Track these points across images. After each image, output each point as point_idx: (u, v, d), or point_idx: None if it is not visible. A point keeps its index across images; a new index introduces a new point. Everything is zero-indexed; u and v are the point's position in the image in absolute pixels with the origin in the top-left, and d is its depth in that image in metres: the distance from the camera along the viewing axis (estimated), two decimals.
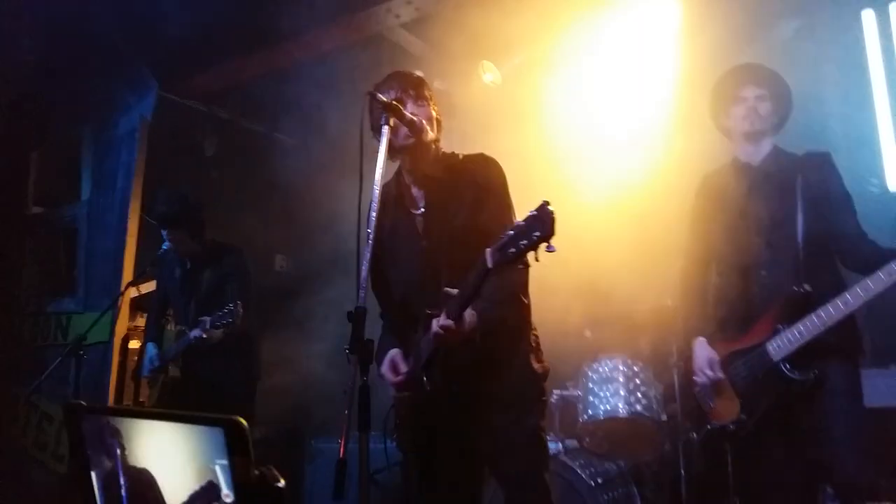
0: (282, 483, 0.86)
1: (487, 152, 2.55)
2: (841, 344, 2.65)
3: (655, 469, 3.87)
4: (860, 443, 2.59)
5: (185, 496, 0.81)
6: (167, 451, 0.82)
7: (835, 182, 2.80)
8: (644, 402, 3.63)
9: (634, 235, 4.22)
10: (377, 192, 2.23)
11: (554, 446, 3.68)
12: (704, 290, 3.04)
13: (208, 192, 5.32)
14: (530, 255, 1.91)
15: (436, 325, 2.14)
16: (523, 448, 2.32)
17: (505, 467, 2.36)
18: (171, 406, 3.97)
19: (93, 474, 0.91)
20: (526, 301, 2.44)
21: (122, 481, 0.88)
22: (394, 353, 2.40)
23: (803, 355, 2.63)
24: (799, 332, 2.63)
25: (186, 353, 3.84)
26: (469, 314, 2.17)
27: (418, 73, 2.56)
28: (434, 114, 2.48)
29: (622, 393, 3.63)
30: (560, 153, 4.49)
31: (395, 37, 4.75)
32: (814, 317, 2.60)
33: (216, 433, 0.74)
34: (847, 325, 2.62)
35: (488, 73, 5.06)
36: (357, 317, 2.07)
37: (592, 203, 4.16)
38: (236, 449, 0.71)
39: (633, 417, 3.59)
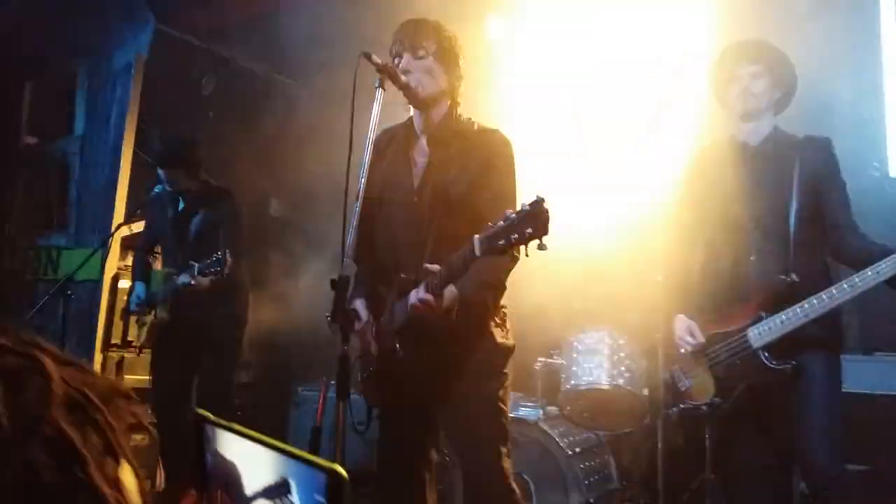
0: None
1: (483, 111, 2.49)
2: (823, 334, 2.64)
3: (633, 441, 3.93)
4: (832, 432, 2.60)
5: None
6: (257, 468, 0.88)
7: (832, 170, 2.73)
8: (627, 374, 3.64)
9: (629, 207, 4.19)
10: (368, 157, 2.19)
11: (534, 413, 3.72)
12: (689, 268, 3.02)
13: (204, 131, 5.25)
14: (521, 250, 1.89)
15: (414, 296, 2.15)
16: (481, 418, 2.34)
17: (462, 436, 2.40)
18: (158, 346, 4.01)
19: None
20: (504, 282, 2.40)
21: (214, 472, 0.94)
22: (358, 302, 2.41)
23: (784, 345, 2.62)
24: (781, 322, 2.61)
25: (174, 296, 3.83)
26: (449, 292, 2.16)
27: (425, 20, 2.44)
28: (439, 65, 2.37)
29: (605, 365, 3.64)
30: (558, 121, 4.41)
31: None
32: (798, 308, 2.58)
33: (318, 475, 0.78)
34: (830, 315, 2.61)
35: (494, 27, 4.94)
36: (340, 285, 2.07)
37: (588, 172, 4.12)
38: (333, 493, 0.75)
39: (615, 389, 3.61)
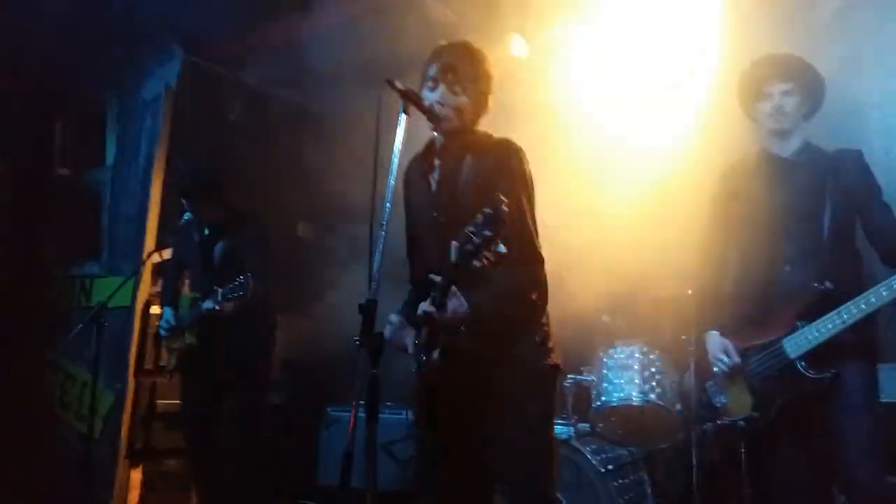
0: None
1: (508, 128, 2.50)
2: (859, 342, 2.60)
3: (668, 457, 3.87)
4: (871, 445, 2.55)
5: None
6: None
7: (866, 180, 2.73)
8: (659, 390, 3.61)
9: (659, 222, 4.16)
10: (392, 182, 2.21)
11: (566, 430, 3.69)
12: (721, 282, 3.00)
13: (231, 158, 5.34)
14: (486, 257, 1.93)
15: (419, 308, 2.17)
16: (524, 442, 2.29)
17: (515, 469, 2.32)
18: (186, 371, 4.05)
19: None
20: (534, 298, 2.35)
21: None
22: (394, 316, 2.43)
23: (821, 354, 2.59)
24: (818, 331, 2.58)
25: (202, 321, 3.88)
26: (457, 304, 2.15)
27: (467, 45, 2.45)
28: (469, 98, 2.39)
29: (637, 380, 3.61)
30: (586, 134, 4.40)
31: (423, 2, 4.66)
32: (835, 315, 2.55)
33: None
34: (867, 323, 2.57)
35: (516, 46, 4.96)
36: (368, 309, 2.08)
37: (618, 188, 4.09)
38: None
39: (647, 405, 3.58)
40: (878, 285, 2.49)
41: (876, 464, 2.55)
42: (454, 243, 1.99)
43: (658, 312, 4.04)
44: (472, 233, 1.94)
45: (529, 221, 2.36)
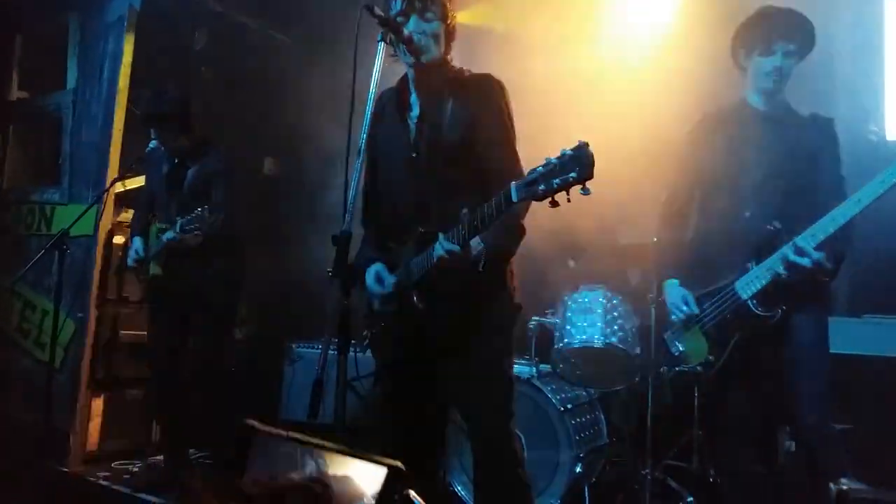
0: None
1: (489, 71, 2.47)
2: (810, 290, 2.66)
3: (624, 399, 4.00)
4: (821, 390, 2.66)
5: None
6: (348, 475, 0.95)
7: (832, 148, 2.79)
8: (620, 334, 3.69)
9: (627, 169, 4.18)
10: (371, 110, 2.17)
11: (528, 370, 3.77)
12: (683, 229, 3.05)
13: (196, 87, 5.19)
14: (561, 196, 1.86)
15: (440, 248, 2.13)
16: (491, 380, 2.35)
17: (470, 398, 2.38)
18: (152, 302, 4.03)
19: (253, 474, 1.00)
20: (523, 233, 2.38)
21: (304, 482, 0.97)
22: (378, 267, 2.41)
23: (771, 293, 2.66)
24: (767, 269, 2.66)
25: (169, 253, 3.84)
26: (476, 242, 2.16)
27: None
28: (443, 29, 2.36)
29: (599, 324, 3.69)
30: (562, 81, 4.38)
31: None
32: (779, 252, 2.62)
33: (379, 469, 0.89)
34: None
35: None
36: (341, 241, 2.07)
37: (589, 135, 4.09)
38: (390, 481, 0.87)
39: (607, 348, 3.67)
40: (823, 219, 2.53)
41: (823, 410, 2.66)
42: (514, 182, 1.93)
43: (623, 259, 4.11)
44: (546, 173, 1.85)
45: (517, 157, 2.36)
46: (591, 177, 1.82)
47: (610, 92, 4.43)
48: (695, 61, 4.05)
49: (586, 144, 1.84)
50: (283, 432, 0.95)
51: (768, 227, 2.66)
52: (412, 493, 0.94)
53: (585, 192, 1.82)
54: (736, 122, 2.87)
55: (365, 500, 0.89)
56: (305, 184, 5.32)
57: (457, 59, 2.50)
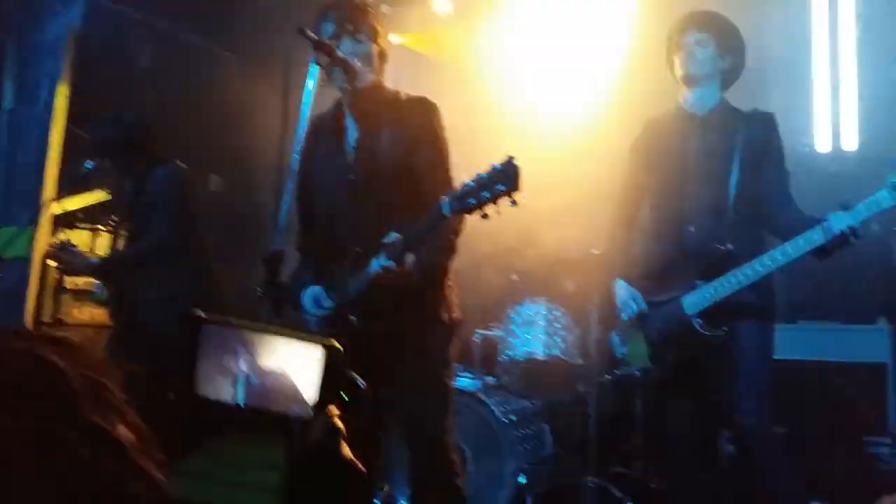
0: (362, 383, 1.06)
1: (424, 87, 2.51)
2: (757, 303, 2.71)
3: (568, 408, 4.03)
4: (762, 396, 2.69)
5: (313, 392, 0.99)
6: (288, 359, 1.00)
7: (775, 145, 2.80)
8: (562, 345, 3.75)
9: (568, 181, 4.26)
10: (303, 132, 2.19)
11: (472, 384, 3.79)
12: (631, 238, 3.08)
13: (141, 107, 5.12)
14: (491, 209, 1.93)
15: (376, 264, 2.15)
16: (429, 394, 2.37)
17: (409, 412, 2.41)
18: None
19: (204, 375, 1.01)
20: (455, 250, 2.44)
21: (255, 378, 0.99)
22: (317, 290, 2.40)
23: (716, 312, 2.69)
24: (714, 290, 2.67)
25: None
26: (410, 258, 2.17)
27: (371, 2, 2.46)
28: (376, 51, 2.39)
29: (541, 336, 3.74)
30: (500, 94, 4.45)
31: None
32: (731, 275, 2.64)
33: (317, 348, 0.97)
34: (763, 284, 2.69)
35: (440, 3, 4.94)
36: (272, 260, 2.08)
37: (531, 151, 4.16)
38: (329, 360, 0.96)
39: (550, 359, 3.71)
40: (773, 249, 2.60)
41: (762, 413, 2.69)
42: (444, 196, 1.99)
43: (564, 271, 4.16)
44: (476, 187, 1.92)
45: (453, 179, 2.39)
46: (518, 189, 1.88)
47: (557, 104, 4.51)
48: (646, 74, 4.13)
49: (513, 158, 1.90)
50: (232, 320, 0.99)
51: (719, 247, 2.68)
52: (350, 371, 1.03)
53: (513, 203, 1.89)
54: (671, 129, 2.89)
55: (307, 385, 0.97)
56: (252, 202, 5.28)
57: (392, 81, 2.53)
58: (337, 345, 0.97)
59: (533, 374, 3.88)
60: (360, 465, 0.99)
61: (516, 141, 4.13)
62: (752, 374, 2.70)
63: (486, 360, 3.98)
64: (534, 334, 3.79)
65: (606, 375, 3.90)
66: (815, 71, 4.41)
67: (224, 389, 1.00)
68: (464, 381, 3.80)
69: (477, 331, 4.02)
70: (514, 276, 4.17)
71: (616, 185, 3.12)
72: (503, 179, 1.88)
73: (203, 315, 1.03)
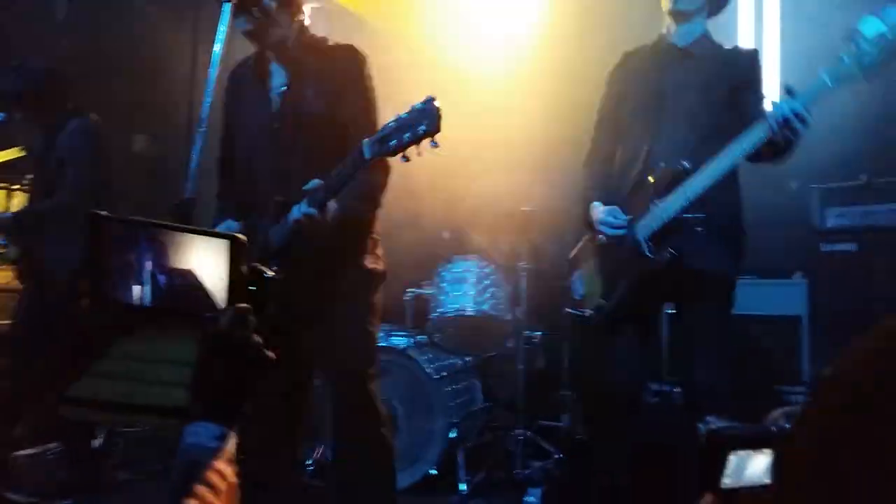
0: (270, 273, 1.07)
1: (358, 41, 2.45)
2: (724, 250, 2.54)
3: (499, 364, 4.10)
4: (719, 353, 2.54)
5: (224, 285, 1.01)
6: (196, 257, 1.00)
7: (755, 77, 2.66)
8: (492, 301, 3.77)
9: (498, 138, 4.26)
10: (214, 73, 2.13)
11: (404, 341, 3.80)
12: (607, 167, 2.82)
13: (59, 60, 4.87)
14: (412, 151, 1.89)
15: (297, 211, 2.10)
16: (350, 340, 2.35)
17: (331, 358, 2.39)
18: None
19: (111, 275, 0.99)
20: (381, 201, 2.40)
21: (163, 278, 0.98)
22: (233, 226, 2.35)
23: (665, 234, 2.47)
24: (665, 208, 2.46)
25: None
26: (332, 205, 2.13)
27: None
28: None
29: (471, 293, 3.76)
30: (435, 49, 4.40)
31: None
32: (680, 190, 2.43)
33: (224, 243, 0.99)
34: (733, 227, 2.57)
35: None
36: (183, 207, 2.03)
37: (458, 102, 4.14)
38: (235, 254, 0.99)
39: (481, 316, 3.74)
40: (720, 153, 2.39)
41: (722, 371, 2.53)
42: (366, 139, 1.95)
43: (494, 228, 4.18)
44: (397, 128, 1.89)
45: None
46: (438, 130, 1.86)
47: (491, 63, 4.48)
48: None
49: (433, 98, 1.87)
50: (136, 218, 0.98)
51: (676, 166, 2.46)
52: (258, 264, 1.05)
53: (435, 144, 1.87)
54: (651, 59, 2.74)
55: (215, 279, 0.99)
56: (175, 157, 5.11)
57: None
58: (242, 238, 0.99)
59: (463, 330, 3.90)
60: (268, 353, 0.98)
61: (447, 98, 4.13)
62: (711, 333, 2.54)
63: (418, 317, 3.99)
64: (464, 291, 3.80)
65: (536, 332, 3.97)
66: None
67: (132, 290, 0.98)
68: (396, 339, 3.81)
69: (408, 289, 4.02)
70: (445, 234, 4.17)
71: (591, 119, 2.88)
72: (424, 120, 1.85)
73: (107, 214, 1.01)
